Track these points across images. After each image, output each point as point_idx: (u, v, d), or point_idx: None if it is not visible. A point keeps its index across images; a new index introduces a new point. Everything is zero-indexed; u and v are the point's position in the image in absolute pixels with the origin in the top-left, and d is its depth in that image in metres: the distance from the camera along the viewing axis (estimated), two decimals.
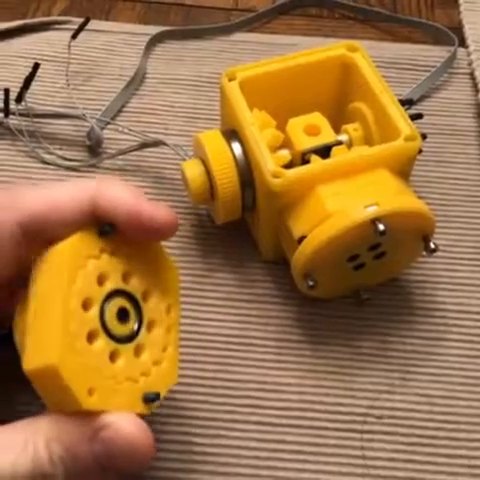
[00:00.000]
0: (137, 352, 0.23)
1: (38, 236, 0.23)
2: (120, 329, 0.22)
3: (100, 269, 0.22)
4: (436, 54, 0.44)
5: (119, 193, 0.23)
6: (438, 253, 0.31)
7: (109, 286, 0.22)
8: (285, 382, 0.30)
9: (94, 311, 0.22)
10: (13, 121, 0.38)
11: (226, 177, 0.30)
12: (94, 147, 0.38)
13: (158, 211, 0.24)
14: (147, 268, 0.24)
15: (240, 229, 0.35)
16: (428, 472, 0.28)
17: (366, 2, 0.48)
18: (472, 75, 0.43)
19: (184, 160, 0.34)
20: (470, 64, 0.43)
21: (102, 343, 0.22)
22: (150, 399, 0.22)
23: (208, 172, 0.31)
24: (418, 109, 0.39)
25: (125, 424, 0.21)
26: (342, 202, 0.28)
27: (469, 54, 0.44)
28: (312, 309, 0.32)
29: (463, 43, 0.44)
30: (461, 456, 0.28)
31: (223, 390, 0.30)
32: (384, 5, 0.48)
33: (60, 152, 0.38)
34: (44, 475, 0.21)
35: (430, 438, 0.29)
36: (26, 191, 0.24)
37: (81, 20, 0.41)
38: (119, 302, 0.23)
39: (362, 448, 0.29)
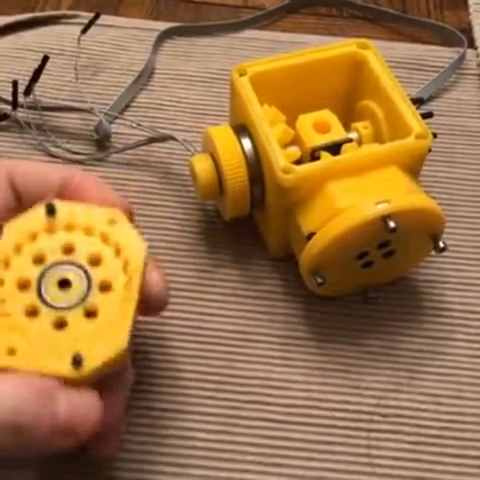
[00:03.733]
0: (89, 314, 0.23)
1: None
2: (62, 298, 0.24)
3: (37, 249, 0.24)
4: (445, 55, 0.44)
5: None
6: (445, 253, 0.31)
7: (47, 262, 0.24)
8: (291, 379, 0.30)
9: (31, 289, 0.24)
10: (21, 114, 0.38)
11: (236, 172, 0.30)
12: (102, 141, 0.38)
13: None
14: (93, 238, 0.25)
15: (247, 225, 0.34)
16: (435, 472, 0.28)
17: (375, 2, 0.48)
18: None
19: (193, 155, 0.33)
20: (479, 65, 0.43)
21: (42, 315, 0.23)
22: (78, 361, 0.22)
23: (217, 167, 0.31)
24: (426, 109, 0.39)
25: None
26: (353, 199, 0.28)
27: (478, 55, 0.44)
28: (319, 307, 0.32)
29: (472, 44, 0.44)
30: (468, 456, 0.28)
31: (228, 386, 0.30)
32: (393, 5, 0.48)
33: (67, 145, 0.38)
34: None
35: (436, 437, 0.29)
36: None
37: (90, 15, 0.41)
38: (61, 274, 0.24)
39: (368, 446, 0.29)
